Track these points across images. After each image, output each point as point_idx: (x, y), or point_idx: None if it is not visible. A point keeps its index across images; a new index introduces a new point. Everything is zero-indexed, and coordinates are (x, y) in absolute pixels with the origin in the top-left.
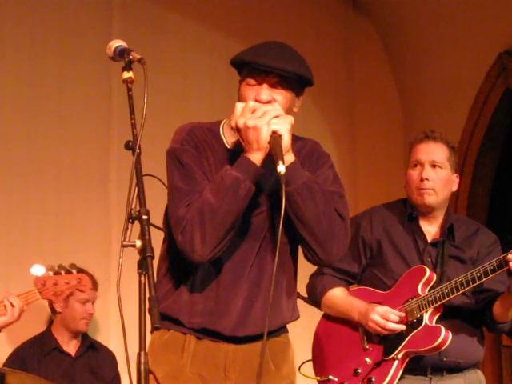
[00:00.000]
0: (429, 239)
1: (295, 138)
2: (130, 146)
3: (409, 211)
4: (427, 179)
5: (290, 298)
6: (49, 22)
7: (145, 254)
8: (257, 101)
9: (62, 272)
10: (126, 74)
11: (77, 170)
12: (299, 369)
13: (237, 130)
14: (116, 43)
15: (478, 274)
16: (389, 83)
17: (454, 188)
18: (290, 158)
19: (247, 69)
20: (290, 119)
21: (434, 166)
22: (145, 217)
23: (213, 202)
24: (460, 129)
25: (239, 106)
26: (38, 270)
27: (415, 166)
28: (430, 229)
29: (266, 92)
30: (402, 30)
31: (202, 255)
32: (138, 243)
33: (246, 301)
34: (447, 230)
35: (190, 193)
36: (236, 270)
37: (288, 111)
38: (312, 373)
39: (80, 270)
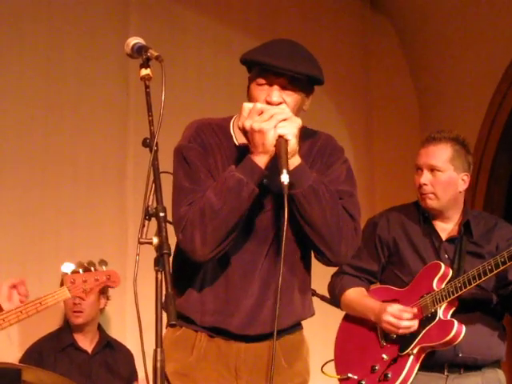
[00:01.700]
0: (445, 237)
1: (308, 132)
2: (147, 144)
3: (421, 212)
4: (425, 184)
5: (304, 296)
6: (66, 18)
7: (161, 251)
8: (267, 102)
9: (92, 269)
10: (144, 72)
11: (94, 167)
12: (322, 368)
13: (243, 131)
14: (134, 40)
15: (490, 267)
16: (406, 82)
17: (462, 188)
18: (296, 160)
19: (258, 68)
20: (298, 122)
21: (432, 169)
22: (162, 214)
23: (215, 202)
24: (477, 128)
25: (246, 106)
26: (68, 268)
27: (417, 170)
28: (447, 227)
29: (276, 94)
30: (420, 29)
31: (202, 255)
32: (155, 240)
33: (256, 300)
34: (463, 227)
35: (193, 192)
36: (246, 270)
37: (297, 111)
38: (334, 372)
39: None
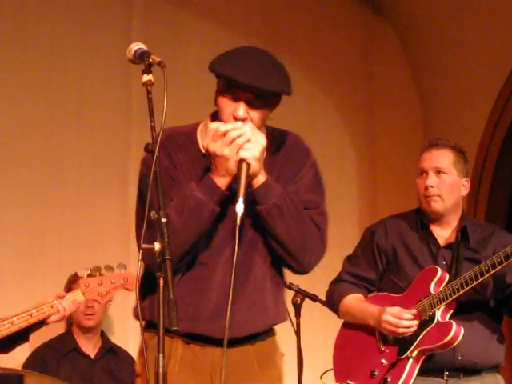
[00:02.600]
0: (443, 243)
1: (275, 132)
2: (149, 149)
3: (420, 218)
4: (431, 186)
5: (277, 300)
6: (69, 23)
7: (163, 256)
8: (234, 117)
9: (110, 272)
10: (146, 77)
11: (96, 172)
12: (321, 377)
13: (207, 152)
14: (136, 46)
15: (486, 268)
16: (408, 86)
17: (464, 192)
18: (261, 178)
19: (225, 81)
20: (261, 143)
21: (438, 172)
22: (164, 219)
23: (175, 222)
24: (480, 132)
25: (211, 127)
26: (84, 272)
27: (421, 174)
28: (444, 233)
29: (242, 109)
30: (422, 33)
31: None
32: (157, 246)
33: (232, 305)
34: (460, 233)
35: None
36: (221, 275)
37: (263, 124)
38: (333, 381)
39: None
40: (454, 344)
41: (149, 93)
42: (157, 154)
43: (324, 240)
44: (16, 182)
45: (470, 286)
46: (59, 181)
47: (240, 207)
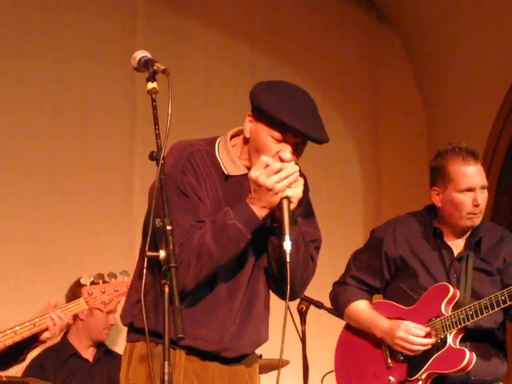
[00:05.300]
0: (455, 252)
1: None
2: (154, 157)
3: (434, 226)
4: (481, 204)
5: (266, 321)
6: (74, 32)
7: (168, 264)
8: (280, 157)
9: (113, 280)
10: (151, 85)
11: (101, 180)
12: (322, 380)
13: (253, 182)
14: (140, 54)
15: (503, 298)
16: (413, 92)
17: None
18: None
19: (273, 120)
20: (302, 184)
21: (482, 190)
22: (169, 227)
23: (213, 249)
24: (484, 139)
25: (264, 160)
26: (86, 280)
27: (465, 192)
28: (456, 242)
29: (290, 151)
30: (426, 40)
31: (186, 290)
32: (162, 253)
33: (238, 328)
34: (474, 244)
35: (190, 229)
36: (228, 296)
37: None
38: None
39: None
40: (465, 371)
41: (153, 100)
42: (162, 161)
43: (315, 269)
44: (20, 190)
45: (486, 315)
46: (63, 188)
47: (288, 244)
